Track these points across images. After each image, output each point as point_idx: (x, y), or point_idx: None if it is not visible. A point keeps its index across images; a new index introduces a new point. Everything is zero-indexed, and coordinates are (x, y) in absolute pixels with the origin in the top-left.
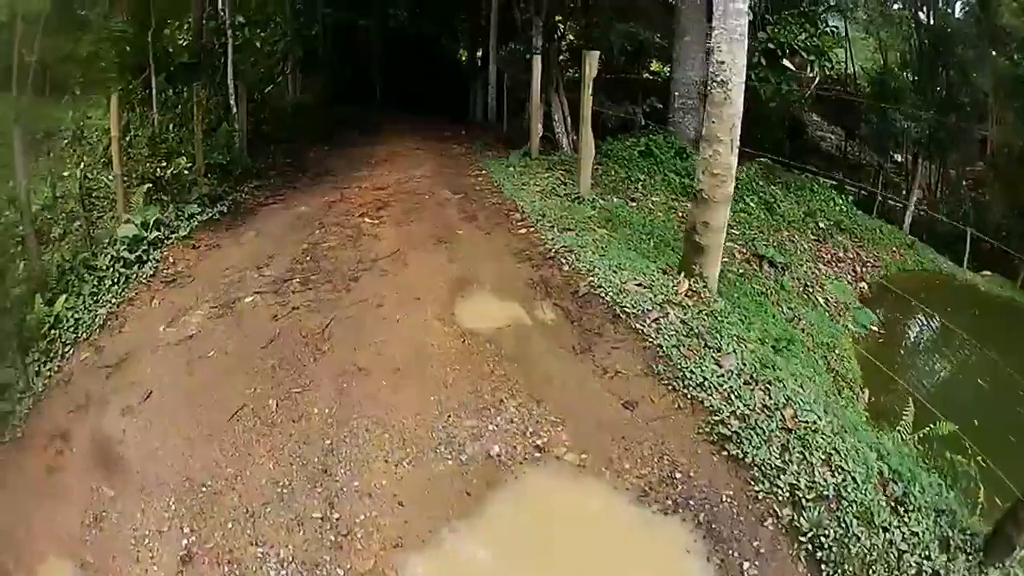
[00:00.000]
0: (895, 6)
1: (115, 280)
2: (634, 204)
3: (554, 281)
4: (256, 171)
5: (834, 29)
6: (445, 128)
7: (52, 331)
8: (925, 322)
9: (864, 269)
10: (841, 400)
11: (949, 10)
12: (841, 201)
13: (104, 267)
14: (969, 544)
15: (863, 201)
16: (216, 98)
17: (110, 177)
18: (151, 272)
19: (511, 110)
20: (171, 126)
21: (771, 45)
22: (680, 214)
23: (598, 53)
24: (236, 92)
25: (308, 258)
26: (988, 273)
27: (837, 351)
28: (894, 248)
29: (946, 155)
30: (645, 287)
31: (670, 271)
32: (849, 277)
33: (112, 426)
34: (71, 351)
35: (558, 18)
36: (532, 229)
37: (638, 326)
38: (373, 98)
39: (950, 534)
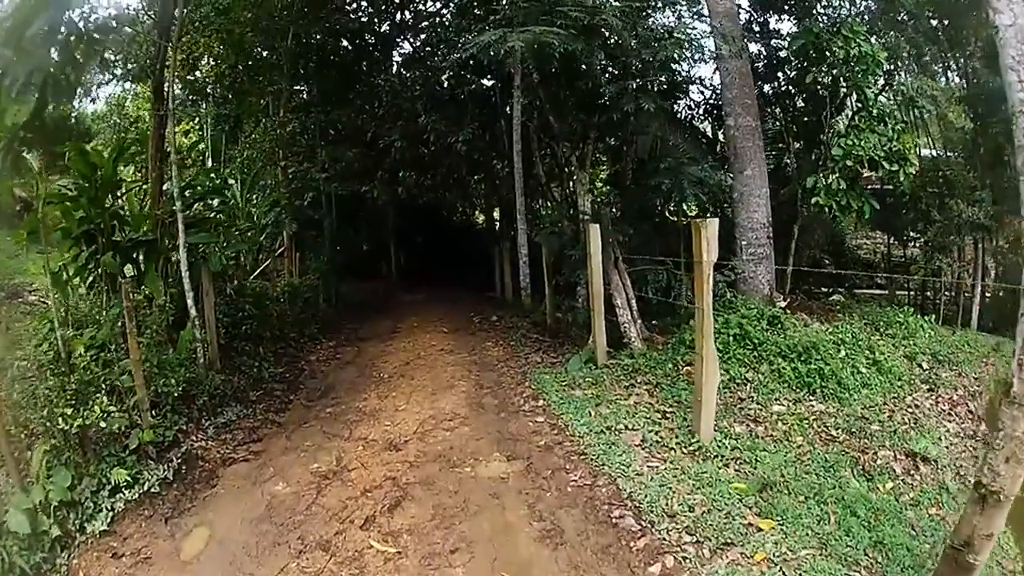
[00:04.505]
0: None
1: None
2: (762, 430)
3: None
4: (231, 392)
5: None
6: (472, 310)
7: None
8: None
9: (975, 403)
10: None
11: (980, 67)
12: (927, 325)
13: None
14: None
15: (912, 301)
16: (175, 290)
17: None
18: None
19: (543, 280)
20: (105, 335)
21: (849, 162)
22: (816, 427)
23: (717, 221)
24: (197, 285)
25: None
26: None
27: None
28: (984, 359)
29: (1002, 227)
30: None
31: None
32: (969, 423)
33: None
34: None
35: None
36: (666, 557)
37: None
38: (388, 273)
39: None
